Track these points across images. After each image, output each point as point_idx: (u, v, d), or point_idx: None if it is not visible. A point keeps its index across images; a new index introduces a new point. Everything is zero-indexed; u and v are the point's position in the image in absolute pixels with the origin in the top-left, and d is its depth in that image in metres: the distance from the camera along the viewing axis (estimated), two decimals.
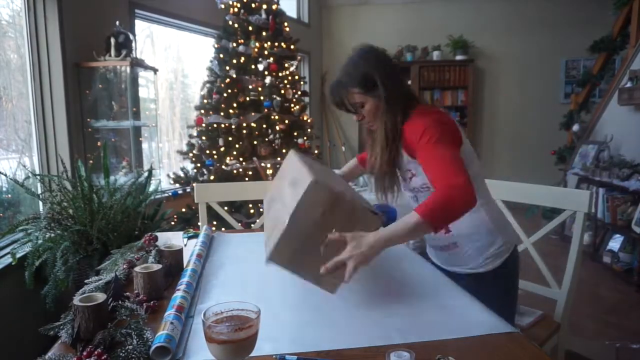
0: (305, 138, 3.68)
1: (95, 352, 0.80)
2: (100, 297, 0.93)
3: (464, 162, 1.19)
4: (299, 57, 4.14)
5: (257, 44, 3.49)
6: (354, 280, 1.04)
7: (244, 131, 3.45)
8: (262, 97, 3.49)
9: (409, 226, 1.08)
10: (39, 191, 2.45)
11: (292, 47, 3.70)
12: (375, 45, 1.41)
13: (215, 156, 3.44)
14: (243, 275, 1.35)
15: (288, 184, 1.19)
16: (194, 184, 2.35)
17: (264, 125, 3.48)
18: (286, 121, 3.54)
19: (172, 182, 3.61)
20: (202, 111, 3.55)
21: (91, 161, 2.91)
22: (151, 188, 2.72)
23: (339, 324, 1.02)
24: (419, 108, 1.33)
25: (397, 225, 1.09)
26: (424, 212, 1.07)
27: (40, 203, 2.56)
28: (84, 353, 0.80)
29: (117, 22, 2.96)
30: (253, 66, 3.53)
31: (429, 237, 1.48)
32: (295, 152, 1.39)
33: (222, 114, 3.43)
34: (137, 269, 1.13)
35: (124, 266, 1.29)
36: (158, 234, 1.61)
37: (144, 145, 3.32)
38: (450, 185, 1.12)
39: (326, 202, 1.03)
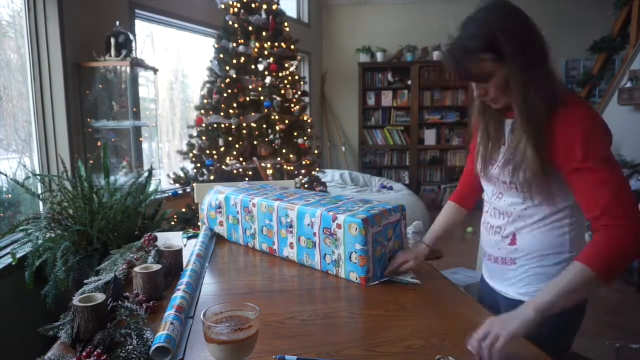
0: (305, 138, 3.68)
1: (95, 353, 0.80)
2: (100, 297, 0.93)
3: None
4: (299, 57, 4.14)
5: (257, 44, 3.49)
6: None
7: (244, 131, 3.45)
8: (262, 97, 3.48)
9: (574, 285, 0.88)
10: (39, 191, 2.45)
11: (292, 47, 3.70)
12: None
13: (215, 156, 3.44)
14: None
15: None
16: (194, 184, 2.34)
17: (264, 125, 3.48)
18: (286, 121, 3.54)
19: (172, 182, 3.61)
20: (202, 111, 3.54)
21: (91, 161, 2.91)
22: (151, 188, 2.72)
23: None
24: (565, 93, 1.02)
25: (554, 289, 0.88)
26: (596, 264, 0.87)
27: (40, 203, 2.56)
28: (84, 353, 0.80)
29: (117, 22, 2.96)
30: (253, 66, 3.53)
31: (485, 238, 1.25)
32: None
33: (222, 114, 3.43)
34: (136, 269, 1.13)
35: (124, 266, 1.29)
36: (158, 234, 1.61)
37: (144, 145, 3.32)
38: (630, 225, 0.90)
39: None
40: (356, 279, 1.25)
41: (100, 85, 2.93)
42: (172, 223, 3.19)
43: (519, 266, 1.14)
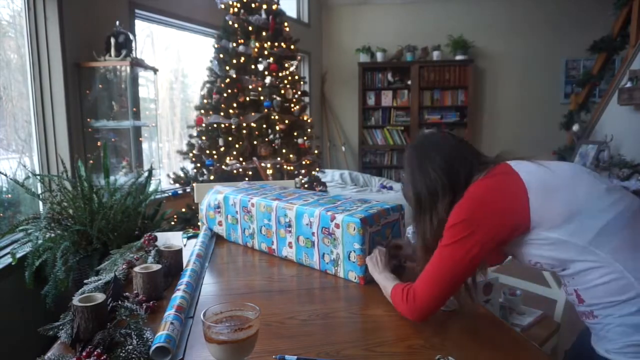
0: (305, 138, 3.68)
1: (95, 352, 0.80)
2: (100, 297, 0.93)
3: (467, 267, 1.00)
4: (299, 57, 4.14)
5: (257, 44, 3.49)
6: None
7: (244, 131, 3.45)
8: (262, 97, 3.48)
9: (386, 290, 1.14)
10: (39, 191, 2.45)
11: (292, 47, 3.70)
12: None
13: (215, 156, 3.44)
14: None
15: None
16: (194, 184, 2.34)
17: (264, 125, 3.48)
18: (286, 121, 3.54)
19: (172, 182, 3.61)
20: (202, 111, 3.54)
21: (91, 161, 2.91)
22: (151, 188, 2.72)
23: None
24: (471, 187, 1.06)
25: (385, 282, 1.15)
26: (392, 292, 1.10)
27: (40, 203, 2.56)
28: (84, 353, 0.80)
29: (117, 22, 2.96)
30: (253, 66, 3.53)
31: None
32: None
33: (222, 114, 3.43)
34: (136, 269, 1.13)
35: (124, 266, 1.29)
36: (158, 234, 1.61)
37: (144, 145, 3.32)
38: (409, 289, 1.04)
39: None
40: (355, 279, 1.25)
41: (100, 85, 2.93)
42: (172, 223, 3.19)
43: (601, 319, 0.99)
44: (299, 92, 3.79)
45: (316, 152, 3.93)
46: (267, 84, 3.49)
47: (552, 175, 1.00)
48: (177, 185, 3.60)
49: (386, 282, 1.14)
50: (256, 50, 3.49)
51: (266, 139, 3.47)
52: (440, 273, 1.00)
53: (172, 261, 1.32)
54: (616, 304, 0.94)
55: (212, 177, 3.37)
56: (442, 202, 1.08)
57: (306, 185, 3.74)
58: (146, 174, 2.75)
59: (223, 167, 3.39)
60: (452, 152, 1.10)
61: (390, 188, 5.80)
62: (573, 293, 1.00)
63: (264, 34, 3.56)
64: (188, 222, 3.30)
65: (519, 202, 0.96)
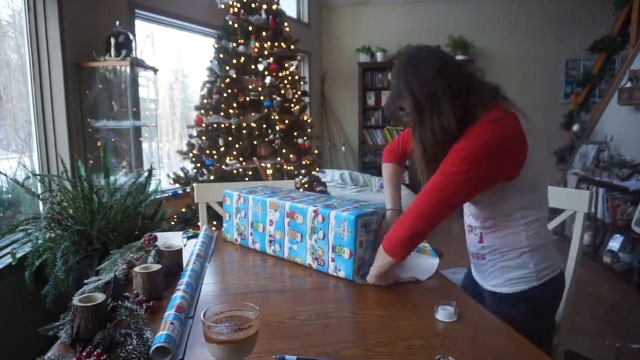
0: (305, 138, 3.68)
1: (95, 353, 0.80)
2: (100, 297, 0.93)
3: (451, 206, 1.15)
4: (299, 57, 4.14)
5: (257, 44, 3.49)
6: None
7: (244, 131, 3.45)
8: (262, 97, 3.48)
9: (381, 265, 1.22)
10: (39, 191, 2.45)
11: (292, 47, 3.70)
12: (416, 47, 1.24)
13: (215, 156, 3.44)
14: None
15: None
16: (194, 184, 2.34)
17: (264, 125, 3.48)
18: (286, 121, 3.54)
19: (172, 182, 3.61)
20: (202, 111, 3.54)
21: (91, 161, 2.91)
22: (151, 188, 2.72)
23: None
24: (482, 119, 1.13)
25: (373, 268, 1.24)
26: (386, 246, 1.20)
27: (40, 203, 2.56)
28: (84, 353, 0.80)
29: (117, 22, 2.96)
30: (253, 66, 3.53)
31: (466, 236, 1.41)
32: None
33: (222, 114, 3.43)
34: (136, 269, 1.13)
35: (124, 266, 1.29)
36: (158, 234, 1.61)
37: (144, 145, 3.32)
38: (411, 210, 1.16)
39: None
40: (350, 277, 1.26)
41: (100, 85, 2.93)
42: (172, 223, 3.19)
43: (488, 261, 1.30)
44: (299, 92, 3.79)
45: (316, 152, 3.92)
46: (267, 84, 3.49)
47: (534, 145, 1.19)
48: (177, 185, 3.60)
49: (379, 256, 1.23)
50: (256, 50, 3.49)
51: (266, 139, 3.47)
52: (435, 191, 1.14)
53: (172, 261, 1.32)
54: (505, 252, 1.25)
55: (212, 177, 3.37)
56: (444, 105, 1.12)
57: (306, 185, 3.74)
58: (146, 174, 2.75)
59: (223, 167, 3.39)
60: (448, 60, 1.18)
61: None
62: (477, 236, 1.30)
63: (264, 34, 3.56)
64: (188, 222, 3.30)
65: (520, 162, 1.15)
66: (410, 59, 1.19)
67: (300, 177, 3.74)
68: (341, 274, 1.27)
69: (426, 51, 1.20)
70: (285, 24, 3.75)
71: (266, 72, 3.52)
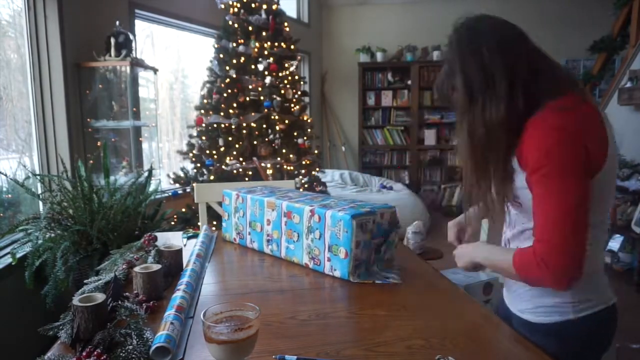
0: (305, 138, 3.68)
1: (95, 353, 0.80)
2: (100, 297, 0.93)
3: (588, 206, 0.89)
4: (299, 57, 4.14)
5: (257, 44, 3.49)
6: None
7: (244, 131, 3.45)
8: (262, 97, 3.48)
9: (501, 264, 1.01)
10: (39, 191, 2.45)
11: (292, 47, 3.70)
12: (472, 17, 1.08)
13: (215, 156, 3.44)
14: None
15: None
16: (194, 184, 2.34)
17: (264, 125, 3.48)
18: (286, 121, 3.54)
19: (172, 182, 3.61)
20: (202, 111, 3.54)
21: (91, 161, 2.91)
22: (151, 188, 2.72)
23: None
24: (550, 106, 0.93)
25: (495, 255, 1.04)
26: (518, 264, 0.95)
27: (40, 203, 2.56)
28: (84, 353, 0.80)
29: (117, 22, 2.96)
30: (253, 66, 3.53)
31: None
32: None
33: (222, 114, 3.43)
34: (136, 269, 1.13)
35: (124, 266, 1.29)
36: (158, 234, 1.61)
37: (144, 145, 3.32)
38: (544, 253, 0.89)
39: None
40: (345, 276, 1.26)
41: (100, 85, 2.93)
42: (172, 223, 3.19)
43: (516, 283, 1.08)
44: (299, 92, 3.79)
45: (316, 152, 3.93)
46: (267, 84, 3.49)
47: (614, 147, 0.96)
48: (177, 185, 3.60)
49: (499, 256, 1.02)
50: (256, 50, 3.49)
51: (266, 139, 3.47)
52: (564, 210, 0.88)
53: (172, 261, 1.31)
54: None
55: (212, 177, 3.37)
56: (503, 87, 0.94)
57: (306, 185, 3.74)
58: (146, 174, 2.75)
59: (223, 167, 3.39)
60: (513, 36, 1.00)
61: (390, 188, 5.80)
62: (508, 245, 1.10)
63: (264, 34, 3.56)
64: (188, 222, 3.30)
65: (603, 152, 0.93)
66: (467, 29, 1.04)
67: (300, 177, 3.74)
68: (337, 274, 1.28)
69: (488, 24, 1.04)
70: (285, 24, 3.75)
71: (266, 72, 3.52)
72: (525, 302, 1.07)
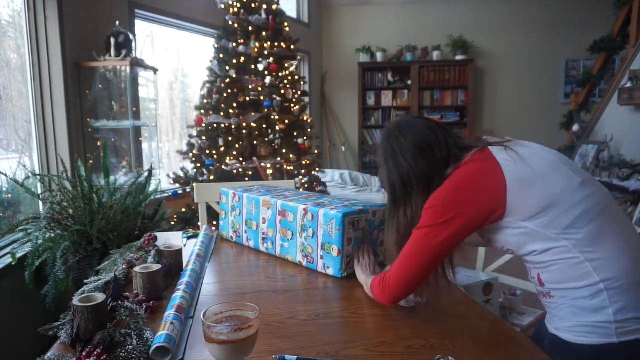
0: (305, 138, 3.68)
1: (95, 353, 0.80)
2: (100, 297, 0.93)
3: (435, 256, 1.00)
4: (299, 57, 4.14)
5: (257, 44, 3.49)
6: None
7: (244, 131, 3.45)
8: (262, 97, 3.48)
9: (367, 285, 1.15)
10: (39, 191, 2.45)
11: (292, 47, 3.70)
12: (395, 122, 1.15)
13: (215, 156, 3.44)
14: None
15: None
16: (194, 184, 2.34)
17: (264, 125, 3.48)
18: (286, 121, 3.54)
19: (172, 182, 3.61)
20: (202, 111, 3.54)
21: (91, 161, 2.91)
22: (151, 188, 2.72)
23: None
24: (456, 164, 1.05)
25: (367, 280, 1.16)
26: (372, 284, 1.11)
27: (40, 203, 2.55)
28: (84, 353, 0.80)
29: (117, 22, 2.96)
30: (253, 66, 3.53)
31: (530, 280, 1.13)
32: None
33: (222, 114, 3.43)
34: (136, 269, 1.13)
35: (124, 266, 1.29)
36: (158, 234, 1.61)
37: (144, 145, 3.32)
38: (385, 275, 1.07)
39: None
40: (338, 274, 1.28)
41: (100, 85, 2.93)
42: (172, 223, 3.19)
43: (558, 298, 1.01)
44: (299, 92, 3.79)
45: (316, 152, 3.93)
46: (267, 84, 3.49)
47: (530, 170, 0.98)
48: (177, 185, 3.60)
49: (368, 280, 1.15)
50: (256, 50, 3.49)
51: (266, 139, 3.47)
52: (412, 256, 1.01)
53: (172, 261, 1.32)
54: (572, 289, 0.96)
55: (212, 177, 3.37)
56: (417, 194, 1.06)
57: (306, 185, 3.74)
58: (146, 174, 2.75)
59: (223, 167, 3.39)
60: (425, 137, 1.06)
61: None
62: (536, 276, 1.04)
63: (264, 34, 3.56)
64: (188, 222, 3.30)
65: (497, 191, 0.96)
66: (391, 141, 1.10)
67: (300, 177, 3.74)
68: (330, 272, 1.29)
69: (406, 133, 1.09)
70: (285, 24, 3.75)
71: (266, 72, 3.52)
72: (562, 320, 1.00)
